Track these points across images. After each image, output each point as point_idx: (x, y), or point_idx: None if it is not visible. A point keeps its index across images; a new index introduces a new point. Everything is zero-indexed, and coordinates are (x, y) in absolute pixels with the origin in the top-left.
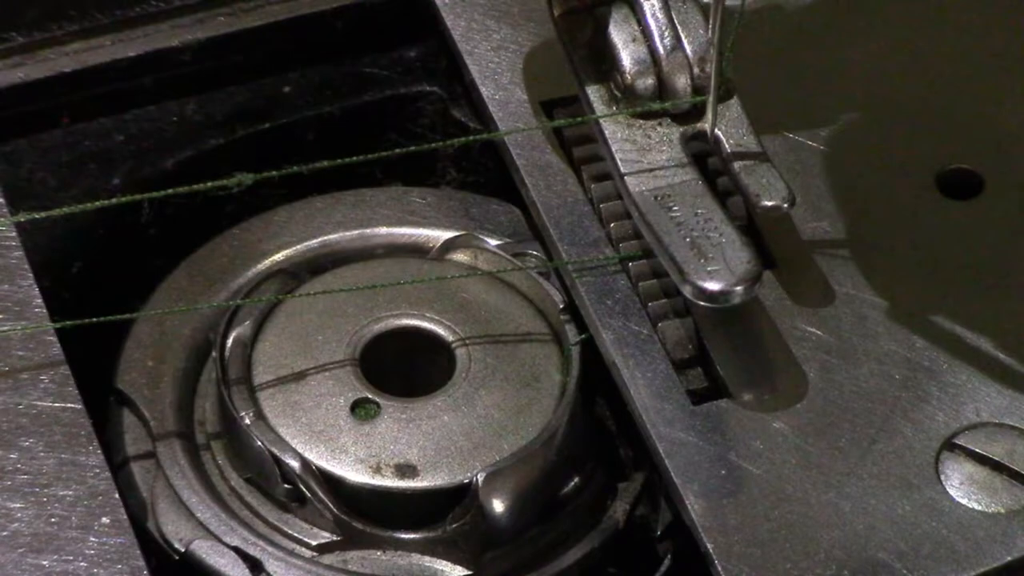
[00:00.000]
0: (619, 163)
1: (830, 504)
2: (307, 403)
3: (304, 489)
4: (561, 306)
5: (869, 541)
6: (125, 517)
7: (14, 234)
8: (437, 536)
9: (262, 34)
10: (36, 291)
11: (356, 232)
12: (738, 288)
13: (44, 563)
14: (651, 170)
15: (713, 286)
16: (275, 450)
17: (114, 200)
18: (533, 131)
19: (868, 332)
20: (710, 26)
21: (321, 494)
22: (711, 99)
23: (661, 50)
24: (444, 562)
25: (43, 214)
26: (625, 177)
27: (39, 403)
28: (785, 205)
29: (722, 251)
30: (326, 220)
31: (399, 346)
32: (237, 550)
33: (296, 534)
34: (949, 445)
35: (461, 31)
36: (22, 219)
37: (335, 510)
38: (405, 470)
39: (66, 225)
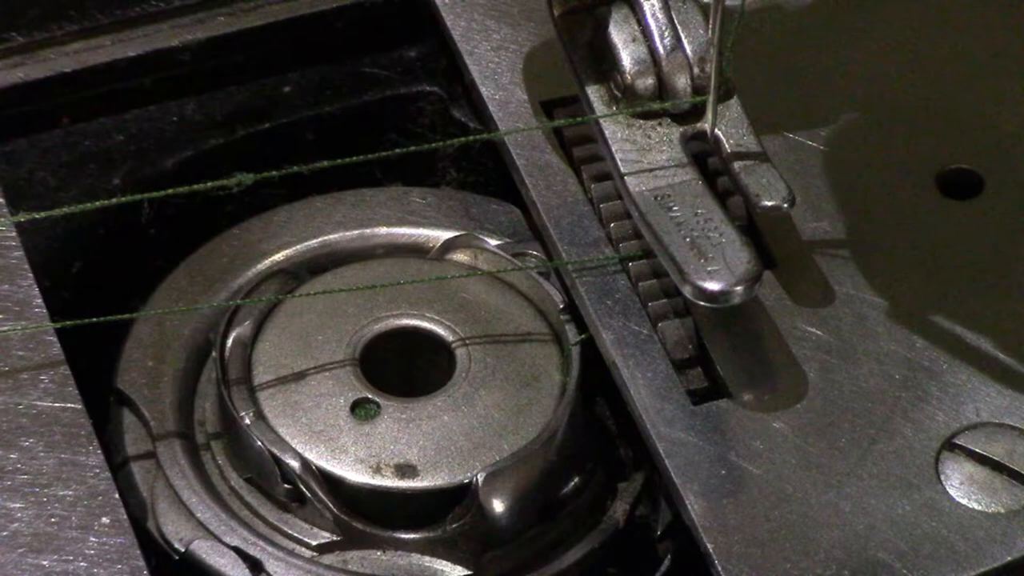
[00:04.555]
0: (619, 163)
1: (830, 504)
2: (307, 403)
3: (304, 489)
4: (561, 306)
5: (869, 541)
6: (125, 517)
7: (14, 234)
8: (437, 536)
9: (262, 34)
10: (36, 291)
11: (356, 232)
12: (738, 288)
13: (44, 563)
14: (651, 170)
15: (713, 286)
16: (275, 450)
17: (114, 200)
18: (533, 131)
19: (868, 332)
20: (710, 26)
21: (321, 494)
22: (711, 99)
23: (661, 50)
24: (444, 562)
25: (43, 214)
26: (625, 177)
27: (39, 403)
28: (785, 205)
29: (722, 251)
30: (326, 220)
31: (399, 346)
32: (237, 550)
33: (296, 534)
34: (949, 445)
35: (461, 31)
36: (22, 219)
37: (335, 510)
38: (405, 470)
39: (66, 225)
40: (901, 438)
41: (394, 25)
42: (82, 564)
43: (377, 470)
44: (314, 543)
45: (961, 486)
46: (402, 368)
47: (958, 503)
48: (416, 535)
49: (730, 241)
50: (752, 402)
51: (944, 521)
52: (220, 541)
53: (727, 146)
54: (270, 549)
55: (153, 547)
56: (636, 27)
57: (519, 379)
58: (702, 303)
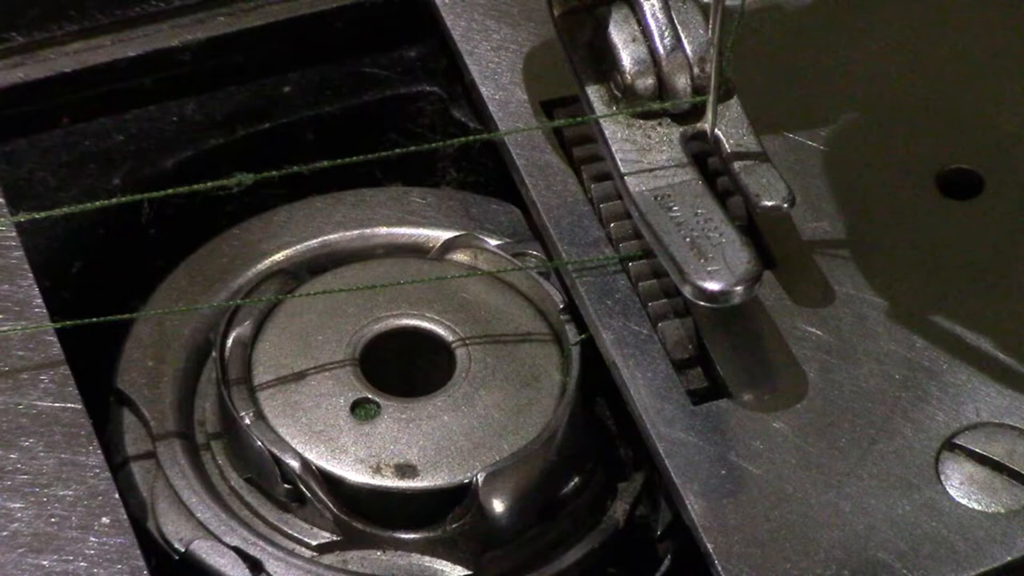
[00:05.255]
0: (619, 163)
1: (830, 504)
2: (307, 403)
3: (304, 489)
4: (561, 306)
5: (869, 541)
6: (125, 517)
7: (14, 234)
8: (437, 536)
9: (262, 34)
10: (36, 291)
11: (356, 232)
12: (738, 288)
13: (44, 563)
14: (651, 170)
15: (713, 286)
16: (275, 450)
17: (114, 200)
18: (533, 131)
19: (868, 332)
20: (710, 26)
21: (321, 494)
22: (711, 99)
23: (661, 50)
24: (444, 562)
25: (43, 214)
26: (625, 177)
27: (39, 403)
28: (785, 205)
29: (722, 251)
30: (326, 220)
31: (399, 346)
32: (237, 550)
33: (296, 534)
34: (949, 445)
35: (461, 31)
36: (22, 219)
37: (335, 510)
38: (405, 470)
39: (66, 225)
40: (901, 438)
41: (394, 25)
42: (82, 564)
43: (377, 470)
44: (314, 543)
45: (961, 486)
46: (402, 368)
47: (958, 503)
48: (416, 535)
49: (730, 241)
50: (752, 402)
51: (944, 521)
52: (220, 541)
53: (727, 146)
54: (270, 549)
55: (153, 547)
56: (636, 27)
57: (519, 379)
58: (702, 303)
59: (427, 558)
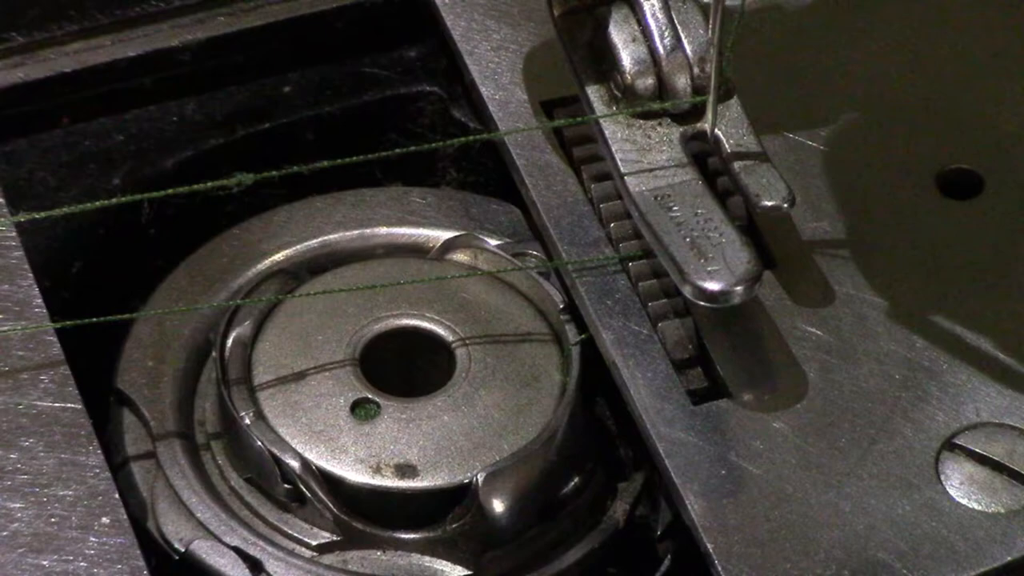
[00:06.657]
0: (619, 163)
1: (830, 504)
2: (307, 403)
3: (304, 489)
4: (561, 306)
5: (869, 541)
6: (125, 517)
7: (14, 234)
8: (437, 536)
9: (262, 34)
10: (36, 291)
11: (356, 232)
12: (738, 288)
13: (44, 563)
14: (651, 170)
15: (713, 286)
16: (275, 450)
17: (114, 200)
18: (533, 131)
19: (868, 332)
20: (710, 26)
21: (321, 494)
22: (711, 99)
23: (661, 50)
24: (444, 562)
25: (43, 214)
26: (625, 177)
27: (39, 403)
28: (785, 205)
29: (722, 251)
30: (326, 220)
31: (399, 346)
32: (237, 550)
33: (296, 534)
34: (949, 445)
35: (461, 31)
36: (22, 219)
37: (335, 510)
38: (405, 470)
39: (66, 225)
40: (901, 438)
41: (394, 25)
42: (82, 564)
43: (377, 470)
44: (314, 543)
45: (961, 486)
46: (402, 368)
47: (958, 503)
48: (416, 535)
49: (730, 241)
50: (752, 402)
51: (944, 521)
52: (220, 541)
53: (727, 146)
54: (270, 549)
55: (153, 547)
56: (636, 27)
57: (519, 379)
58: (702, 303)
59: (427, 558)
